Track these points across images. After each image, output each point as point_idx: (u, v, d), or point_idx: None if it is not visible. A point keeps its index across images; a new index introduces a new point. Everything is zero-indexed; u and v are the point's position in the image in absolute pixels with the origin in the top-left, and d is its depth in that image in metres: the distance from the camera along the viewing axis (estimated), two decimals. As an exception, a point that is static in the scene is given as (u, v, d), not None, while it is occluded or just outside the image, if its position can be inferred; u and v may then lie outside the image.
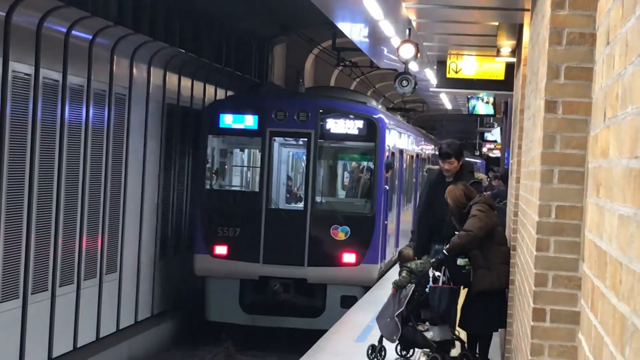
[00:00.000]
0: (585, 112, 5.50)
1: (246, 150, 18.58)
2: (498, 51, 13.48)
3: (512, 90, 14.27)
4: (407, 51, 12.75)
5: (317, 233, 16.73)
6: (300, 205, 17.23)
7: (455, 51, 14.22)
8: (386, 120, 17.81)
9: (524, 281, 6.69)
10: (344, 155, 18.04)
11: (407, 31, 12.80)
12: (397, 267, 11.02)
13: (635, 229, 1.95)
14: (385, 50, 16.46)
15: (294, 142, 17.76)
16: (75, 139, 13.94)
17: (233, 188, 18.50)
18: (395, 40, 13.79)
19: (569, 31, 5.69)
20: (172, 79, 18.09)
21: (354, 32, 14.75)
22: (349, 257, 16.59)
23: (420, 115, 49.14)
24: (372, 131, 17.03)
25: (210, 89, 20.28)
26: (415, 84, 14.67)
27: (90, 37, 14.46)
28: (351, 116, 17.04)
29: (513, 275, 9.23)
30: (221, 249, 16.81)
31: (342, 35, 17.49)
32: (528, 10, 9.44)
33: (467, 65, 14.72)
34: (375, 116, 17.38)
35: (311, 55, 28.46)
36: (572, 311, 5.33)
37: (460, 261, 9.91)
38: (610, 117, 2.50)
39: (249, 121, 17.02)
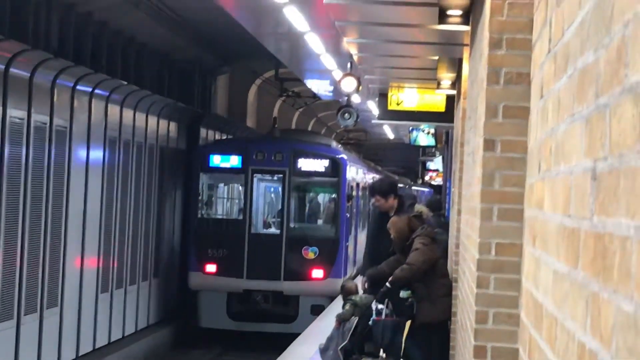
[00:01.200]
0: (523, 151, 5.57)
1: (231, 185, 21.91)
2: (438, 84, 13.61)
3: (452, 121, 14.40)
4: (349, 84, 12.85)
5: (291, 253, 20.06)
6: (277, 230, 20.61)
7: (396, 83, 14.34)
8: (347, 159, 21.26)
9: (465, 317, 6.74)
10: (312, 189, 21.17)
11: (349, 64, 12.89)
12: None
13: (570, 287, 1.99)
14: (328, 82, 16.54)
15: (271, 178, 21.11)
16: (15, 171, 13.80)
17: (220, 216, 21.86)
18: (337, 74, 13.88)
19: (506, 71, 5.77)
20: (113, 111, 17.99)
21: (296, 66, 14.82)
22: (317, 273, 19.95)
23: (363, 144, 49.38)
24: (336, 168, 20.41)
25: (152, 120, 20.21)
26: (357, 116, 14.77)
27: (29, 71, 14.34)
28: (319, 156, 20.44)
29: (455, 307, 9.29)
30: (211, 267, 20.08)
31: (285, 65, 18.25)
32: (467, 45, 9.55)
33: (408, 97, 14.85)
34: (339, 156, 20.86)
35: (254, 86, 28.51)
36: (512, 348, 5.38)
37: (403, 293, 9.96)
38: (545, 171, 2.54)
39: (234, 161, 20.42)
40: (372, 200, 11.29)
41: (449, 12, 9.19)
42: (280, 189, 20.67)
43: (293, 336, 15.97)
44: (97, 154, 17.11)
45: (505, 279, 5.62)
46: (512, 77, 5.75)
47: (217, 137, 24.35)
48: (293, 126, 33.41)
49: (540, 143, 2.72)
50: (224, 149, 20.90)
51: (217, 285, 20.08)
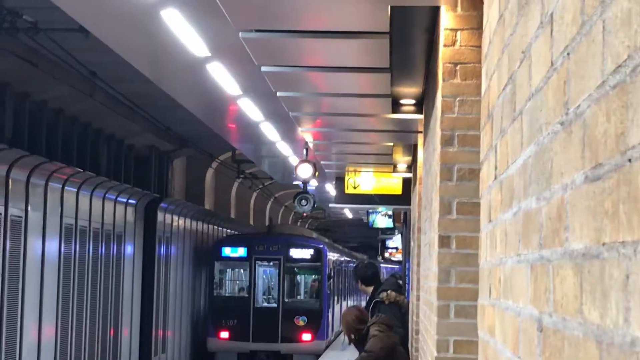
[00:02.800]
0: (478, 247, 5.56)
1: (238, 269, 26.94)
2: (394, 167, 13.68)
3: (409, 204, 14.44)
4: (305, 171, 12.89)
5: (285, 321, 25.65)
6: (275, 304, 26.17)
7: (352, 168, 14.40)
8: (326, 248, 27.40)
9: (426, 412, 6.68)
10: (301, 271, 26.76)
11: (305, 151, 12.93)
12: (337, 340, 16.85)
13: None
14: (284, 168, 16.57)
15: (269, 264, 26.42)
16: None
17: (230, 294, 26.85)
18: (294, 159, 13.91)
19: (459, 167, 5.79)
20: (69, 198, 17.87)
21: (253, 153, 14.84)
22: (306, 336, 25.57)
23: (322, 222, 49.43)
24: (319, 255, 26.27)
25: (109, 205, 20.09)
26: (314, 202, 14.80)
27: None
28: (305, 247, 26.48)
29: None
30: (224, 334, 25.56)
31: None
32: (421, 132, 9.62)
33: (365, 180, 14.90)
34: (321, 246, 26.80)
35: (211, 169, 28.51)
36: None
37: (362, 382, 9.87)
38: (495, 299, 2.53)
39: (241, 252, 26.19)
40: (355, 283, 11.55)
41: (402, 102, 9.27)
42: (276, 272, 26.26)
43: None
44: (53, 243, 16.95)
45: (465, 377, 5.59)
46: (464, 174, 5.78)
47: (175, 220, 24.27)
48: (251, 206, 34.21)
49: (490, 267, 2.71)
50: (233, 242, 26.88)
51: (229, 348, 25.56)
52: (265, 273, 26.72)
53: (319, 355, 25.23)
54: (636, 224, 1.12)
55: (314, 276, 26.49)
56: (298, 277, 26.83)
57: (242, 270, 26.63)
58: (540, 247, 1.79)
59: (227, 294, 26.67)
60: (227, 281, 27.12)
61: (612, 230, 1.23)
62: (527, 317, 1.92)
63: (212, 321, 25.87)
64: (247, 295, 26.11)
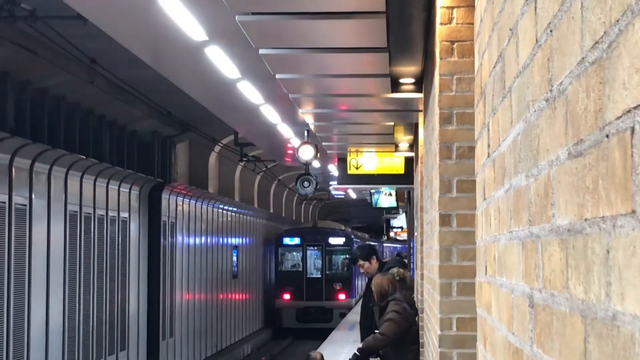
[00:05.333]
0: (478, 225, 5.57)
1: (294, 253, 38.36)
2: (396, 147, 13.66)
3: (412, 183, 14.44)
4: (307, 152, 12.88)
5: (327, 286, 37.16)
6: (319, 275, 37.52)
7: (354, 148, 14.39)
8: (353, 237, 40.37)
9: (431, 390, 6.71)
10: (336, 253, 38.08)
11: (306, 133, 12.92)
12: (344, 320, 22.45)
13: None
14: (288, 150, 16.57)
15: (315, 249, 37.86)
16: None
17: (289, 269, 38.15)
18: (295, 141, 13.91)
19: (458, 145, 5.79)
20: (73, 185, 17.89)
21: (254, 134, 14.83)
22: (341, 296, 37.05)
23: (326, 203, 49.42)
24: (348, 241, 38.27)
25: (113, 192, 20.12)
26: (317, 184, 14.79)
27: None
28: (339, 236, 38.65)
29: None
30: (287, 296, 37.15)
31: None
32: (421, 111, 9.61)
33: (367, 161, 14.89)
34: (351, 236, 39.66)
35: (214, 152, 28.50)
36: None
37: (371, 360, 10.01)
38: (491, 276, 2.54)
39: (296, 240, 38.04)
40: (358, 268, 11.78)
41: (401, 81, 9.25)
42: (320, 254, 37.90)
43: (330, 330, 28.83)
44: (58, 230, 16.99)
45: (468, 353, 5.61)
46: (464, 152, 5.77)
47: (180, 203, 24.30)
48: (255, 189, 34.83)
49: (485, 244, 2.72)
50: (290, 234, 38.48)
51: (290, 305, 37.10)
52: (313, 255, 38.12)
53: (350, 309, 35.32)
54: (614, 200, 1.13)
55: (345, 255, 36.86)
56: (334, 256, 38.09)
57: (296, 253, 38.18)
58: (529, 224, 1.80)
59: (287, 269, 37.94)
60: (286, 261, 38.28)
61: (592, 205, 1.24)
62: (520, 293, 1.93)
63: (278, 288, 37.46)
64: (300, 270, 37.69)
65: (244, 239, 32.36)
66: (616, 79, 1.11)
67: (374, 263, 11.47)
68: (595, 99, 1.23)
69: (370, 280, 11.31)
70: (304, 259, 37.75)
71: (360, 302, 12.75)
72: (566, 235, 1.44)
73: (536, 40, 1.70)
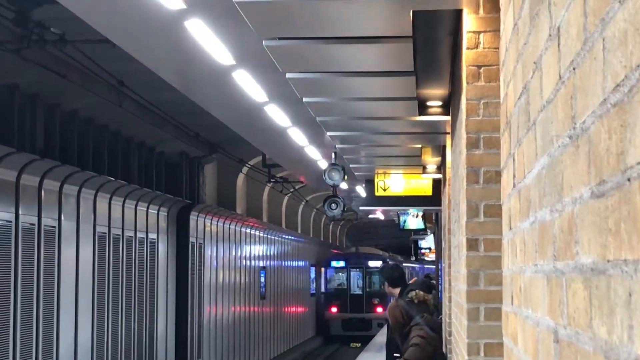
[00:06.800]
0: (505, 250, 5.54)
1: (340, 274, 45.04)
2: (424, 168, 13.65)
3: (440, 205, 14.41)
4: (335, 175, 12.89)
5: (367, 301, 43.55)
6: (361, 292, 43.81)
7: (382, 170, 14.38)
8: (388, 260, 43.92)
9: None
10: (375, 274, 42.62)
11: (333, 155, 12.94)
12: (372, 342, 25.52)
13: None
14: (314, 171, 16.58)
15: (357, 270, 43.79)
16: (4, 273, 13.76)
17: (335, 288, 44.96)
18: (323, 164, 13.93)
19: (485, 170, 5.78)
20: (102, 206, 17.99)
21: (281, 156, 14.86)
22: (379, 309, 42.22)
23: (354, 224, 49.48)
24: (384, 263, 37.92)
25: (141, 213, 20.21)
26: (344, 206, 14.80)
27: (17, 172, 14.38)
28: (377, 259, 44.29)
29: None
30: (334, 309, 43.93)
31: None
32: (449, 133, 9.60)
33: (395, 182, 14.88)
34: (386, 260, 43.39)
35: (242, 173, 28.58)
36: None
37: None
38: (517, 306, 2.53)
39: (341, 263, 44.73)
40: (383, 286, 11.83)
41: (428, 104, 9.25)
42: (361, 274, 44.28)
43: (370, 337, 33.19)
44: (86, 252, 17.06)
45: (496, 379, 5.58)
46: (491, 176, 5.76)
47: (207, 225, 24.37)
48: (283, 210, 34.67)
49: (512, 274, 2.71)
50: (337, 257, 45.58)
51: (336, 317, 44.04)
52: (355, 275, 44.61)
53: (386, 319, 40.62)
54: (636, 244, 1.13)
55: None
56: (373, 276, 43.48)
57: (342, 274, 45.02)
58: (554, 259, 1.80)
59: (334, 288, 44.91)
60: (334, 280, 45.24)
61: (615, 247, 1.24)
62: (545, 327, 1.93)
63: (326, 303, 44.65)
64: (345, 288, 44.46)
65: (296, 262, 39.33)
66: (637, 123, 1.12)
67: (397, 290, 11.46)
68: (617, 142, 1.23)
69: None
70: (348, 278, 44.74)
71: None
72: (590, 274, 1.43)
73: (559, 76, 1.71)
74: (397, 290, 11.21)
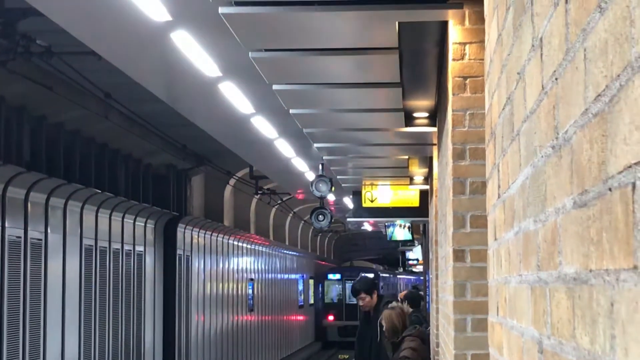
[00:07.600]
0: (492, 261, 5.55)
1: (336, 285, 48.38)
2: (411, 180, 13.67)
3: (427, 216, 14.41)
4: (322, 187, 12.90)
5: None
6: (355, 302, 44.39)
7: (369, 181, 14.40)
8: (380, 272, 48.54)
9: None
10: None
11: (320, 166, 12.95)
12: None
13: None
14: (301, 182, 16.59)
15: (352, 281, 39.22)
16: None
17: (332, 299, 48.22)
18: (310, 175, 13.92)
19: (471, 181, 5.78)
20: (89, 219, 17.93)
21: (268, 168, 14.87)
22: None
23: (342, 235, 49.56)
24: (377, 277, 43.94)
25: (128, 226, 20.16)
26: (332, 217, 14.79)
27: (3, 185, 14.34)
28: (369, 272, 44.15)
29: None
30: (330, 317, 47.19)
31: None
32: (435, 144, 9.62)
33: (382, 194, 14.90)
34: (378, 272, 47.27)
35: (229, 185, 28.55)
36: None
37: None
38: (502, 317, 2.53)
39: (337, 276, 48.10)
40: (358, 300, 11.80)
41: (415, 115, 9.27)
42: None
43: None
44: (73, 265, 17.01)
45: (483, 390, 5.57)
46: (477, 187, 5.77)
47: (195, 237, 24.33)
48: (270, 222, 34.68)
49: (497, 284, 2.71)
50: (333, 271, 48.95)
51: (333, 324, 47.24)
52: (350, 286, 41.99)
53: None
54: (617, 254, 1.13)
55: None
56: None
57: (338, 285, 48.32)
58: (538, 269, 1.80)
59: (330, 299, 48.24)
60: (330, 291, 48.68)
61: (597, 257, 1.24)
62: (530, 338, 1.93)
63: (323, 312, 47.89)
64: (341, 298, 47.62)
65: (285, 275, 40.74)
66: (617, 133, 1.12)
67: (375, 297, 11.60)
68: (598, 151, 1.23)
69: (366, 313, 11.52)
70: (343, 289, 48.04)
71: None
72: (572, 284, 1.44)
73: (542, 86, 1.71)
74: (375, 299, 11.37)
